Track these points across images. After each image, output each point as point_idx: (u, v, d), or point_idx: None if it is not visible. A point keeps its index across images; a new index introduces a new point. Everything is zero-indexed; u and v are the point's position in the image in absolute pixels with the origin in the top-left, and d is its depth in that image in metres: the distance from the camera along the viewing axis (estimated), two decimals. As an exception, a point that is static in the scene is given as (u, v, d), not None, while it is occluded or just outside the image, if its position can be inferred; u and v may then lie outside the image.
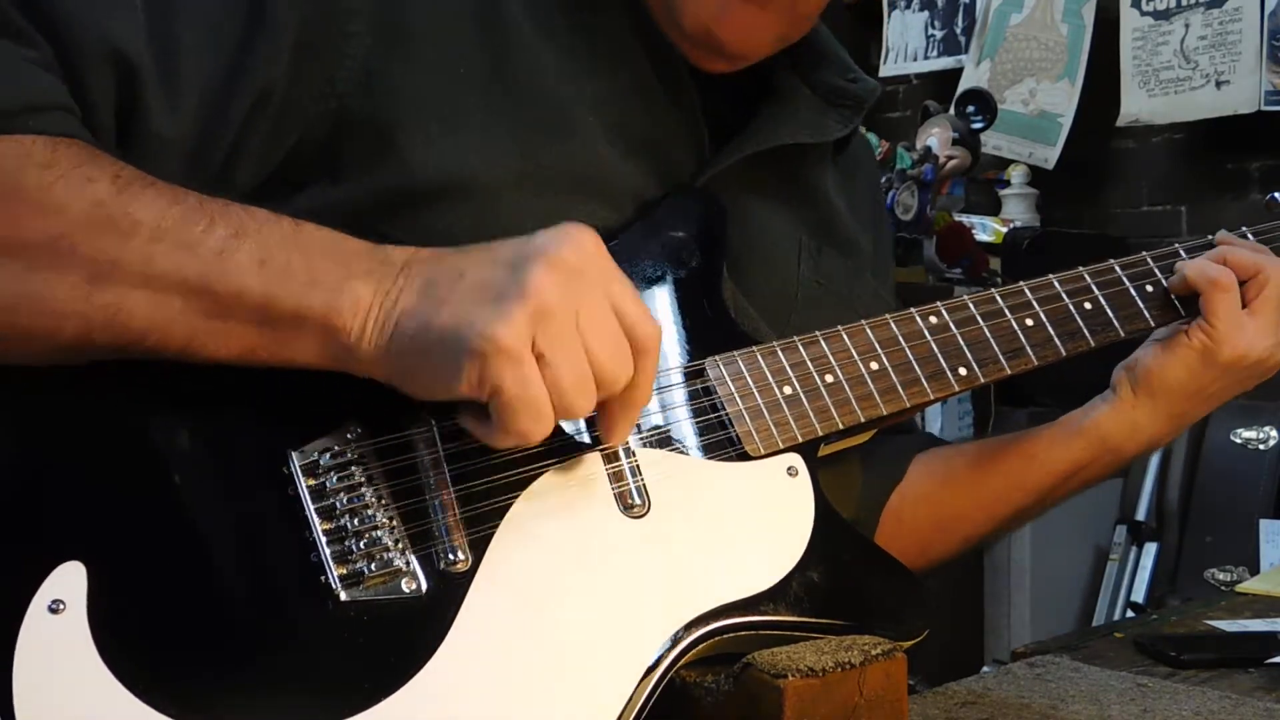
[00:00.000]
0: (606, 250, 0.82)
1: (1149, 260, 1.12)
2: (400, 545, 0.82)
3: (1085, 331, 1.07)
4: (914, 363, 1.00)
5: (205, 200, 0.81)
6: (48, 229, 0.77)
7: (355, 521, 0.81)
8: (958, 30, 3.87)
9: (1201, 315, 1.08)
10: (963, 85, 3.63)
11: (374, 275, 0.80)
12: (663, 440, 0.92)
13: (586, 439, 0.88)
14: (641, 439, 0.91)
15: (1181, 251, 1.14)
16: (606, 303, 0.81)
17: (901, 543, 1.13)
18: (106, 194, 0.79)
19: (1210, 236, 1.15)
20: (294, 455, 0.82)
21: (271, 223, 0.81)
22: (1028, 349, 1.04)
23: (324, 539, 0.81)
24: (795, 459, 0.95)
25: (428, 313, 0.79)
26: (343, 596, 0.80)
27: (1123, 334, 1.09)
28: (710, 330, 0.97)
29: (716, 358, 0.95)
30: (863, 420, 0.97)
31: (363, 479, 0.82)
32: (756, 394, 0.95)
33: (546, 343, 0.78)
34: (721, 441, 0.93)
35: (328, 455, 0.82)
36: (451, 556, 0.82)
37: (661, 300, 0.97)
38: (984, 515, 1.18)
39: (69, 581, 0.75)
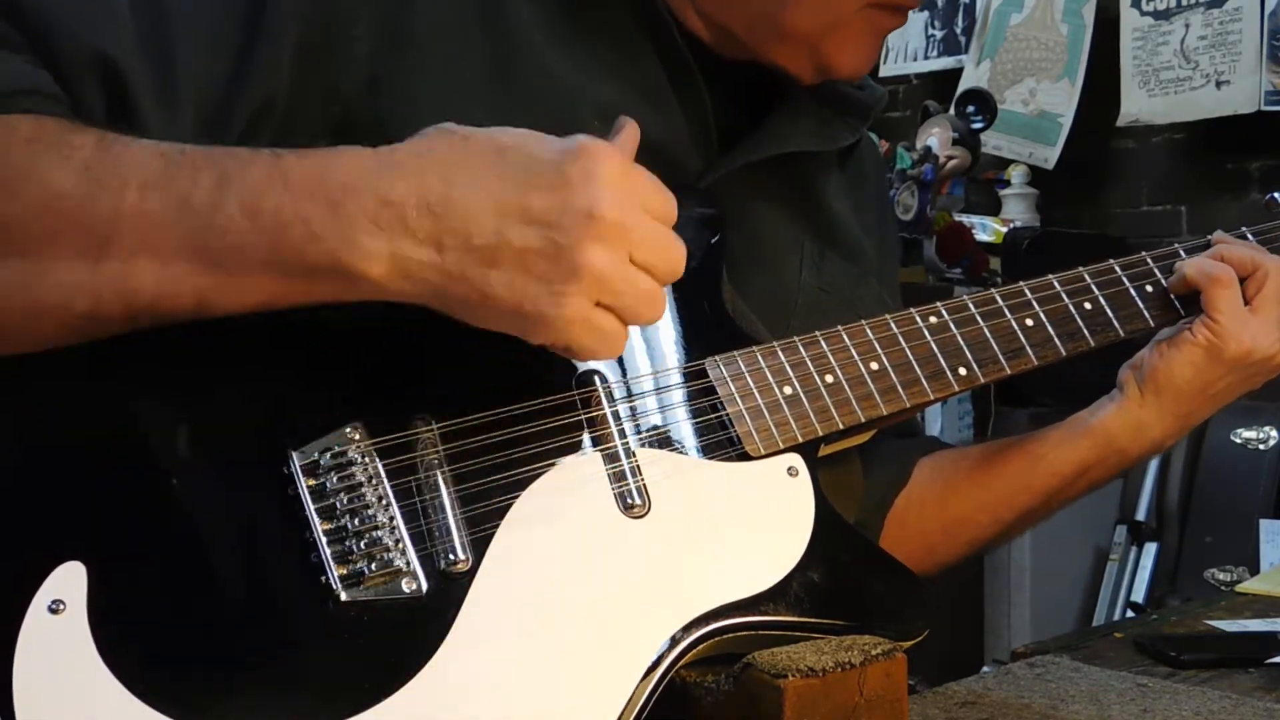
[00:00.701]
0: (630, 165, 0.82)
1: (1149, 260, 1.12)
2: (400, 545, 0.82)
3: (1085, 332, 1.07)
4: (914, 363, 1.00)
5: (187, 148, 0.79)
6: (40, 200, 0.76)
7: (355, 521, 0.81)
8: (958, 30, 3.87)
9: (1204, 312, 1.09)
10: (963, 85, 3.64)
11: (379, 224, 0.77)
12: (663, 440, 0.92)
13: (587, 439, 0.88)
14: (641, 439, 0.91)
15: (1181, 251, 1.14)
16: (653, 225, 0.82)
17: (907, 546, 1.13)
18: (91, 157, 0.77)
19: (1209, 237, 1.16)
20: (294, 455, 0.82)
21: (252, 163, 0.78)
22: (1028, 349, 1.04)
23: (324, 539, 0.80)
24: (795, 459, 0.95)
25: (479, 281, 0.78)
26: (343, 597, 0.79)
27: (1123, 334, 1.09)
28: (710, 331, 0.97)
29: (717, 358, 0.95)
30: (863, 420, 0.97)
31: (363, 479, 0.82)
32: (757, 394, 0.95)
33: (612, 298, 0.80)
34: (722, 441, 0.93)
35: (328, 455, 0.82)
36: (452, 556, 0.82)
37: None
38: (989, 518, 1.18)
39: (69, 581, 0.75)
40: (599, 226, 0.78)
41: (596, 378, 0.90)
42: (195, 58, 0.88)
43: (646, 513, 0.88)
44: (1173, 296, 1.11)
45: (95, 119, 0.84)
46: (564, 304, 0.79)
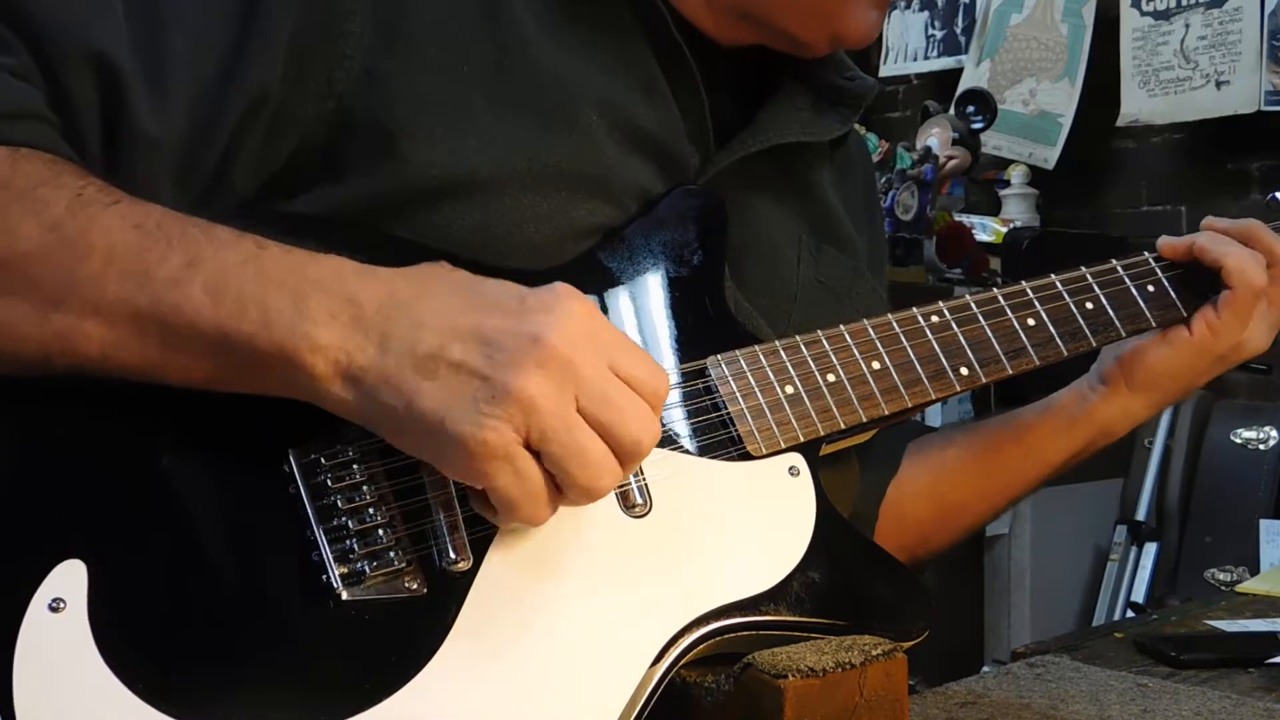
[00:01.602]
0: (600, 317, 0.80)
1: (1150, 260, 1.13)
2: (401, 544, 0.82)
3: (1087, 331, 1.07)
4: (916, 362, 1.00)
5: (167, 221, 0.79)
6: (1, 252, 0.77)
7: (355, 521, 0.81)
8: (958, 30, 3.87)
9: (1213, 305, 1.11)
10: (963, 85, 3.63)
11: (338, 321, 0.77)
12: (664, 439, 0.91)
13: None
14: (642, 438, 0.90)
15: (1183, 251, 1.15)
16: (610, 375, 0.78)
17: (903, 537, 1.16)
18: (62, 216, 0.77)
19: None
20: (293, 454, 0.82)
21: (231, 246, 0.78)
22: (1029, 348, 1.04)
23: (324, 538, 0.80)
24: (797, 458, 0.95)
25: (410, 389, 0.76)
26: (344, 596, 0.79)
27: (1124, 334, 1.09)
28: (712, 329, 0.97)
29: (718, 356, 0.95)
30: (864, 420, 0.97)
31: (363, 478, 0.82)
32: (758, 393, 0.95)
33: (539, 438, 0.75)
34: (723, 441, 0.93)
35: (328, 454, 0.82)
36: (452, 556, 0.82)
37: (663, 298, 0.97)
38: (986, 505, 1.22)
39: (69, 580, 0.75)
40: (541, 352, 0.76)
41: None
42: (188, 53, 0.87)
43: (647, 512, 0.88)
44: (1173, 295, 1.12)
45: (88, 116, 0.84)
46: (485, 427, 0.74)
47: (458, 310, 0.78)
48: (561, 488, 0.78)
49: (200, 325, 0.77)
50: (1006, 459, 1.19)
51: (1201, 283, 1.13)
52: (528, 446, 0.76)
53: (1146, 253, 1.13)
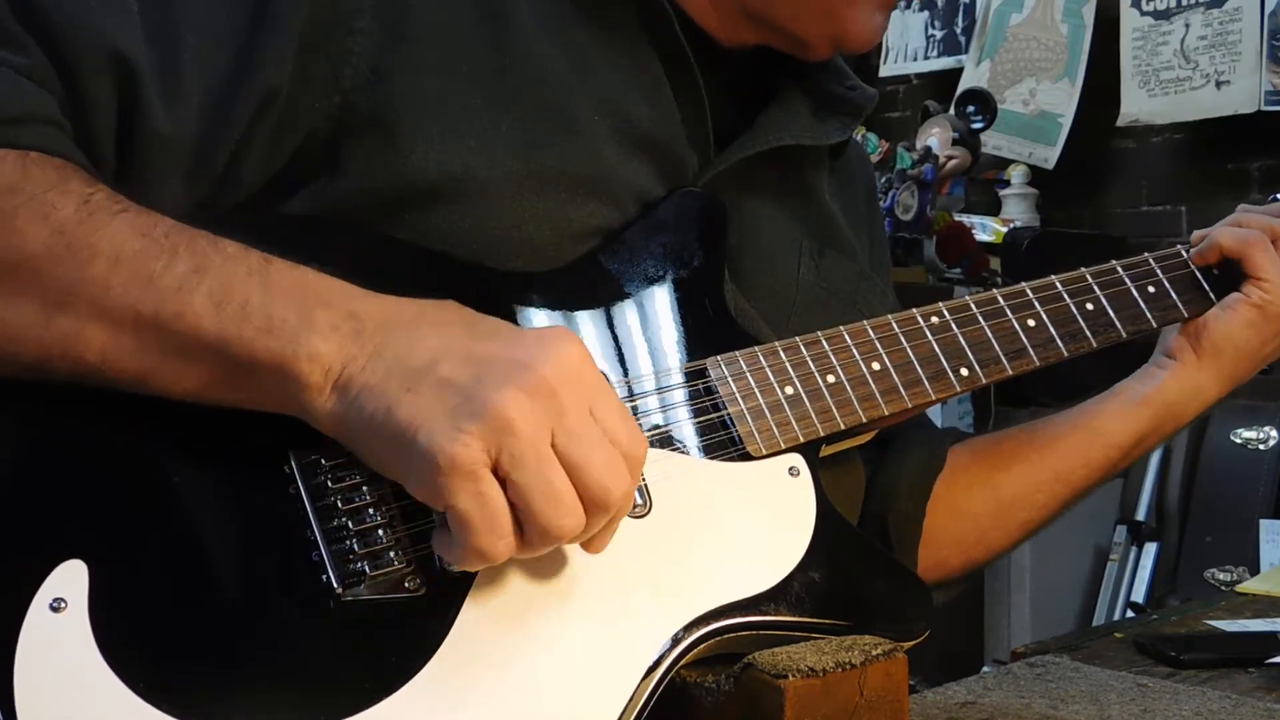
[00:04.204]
0: (592, 364, 0.80)
1: (1151, 261, 1.13)
2: (400, 545, 0.81)
3: (1087, 332, 1.07)
4: (916, 363, 1.00)
5: (174, 231, 0.79)
6: (6, 256, 0.77)
7: (355, 521, 0.81)
8: (958, 30, 3.87)
9: (1249, 277, 1.12)
10: (963, 85, 3.63)
11: (339, 333, 0.77)
12: (664, 440, 0.92)
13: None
14: (643, 439, 0.90)
15: (1184, 251, 1.15)
16: (589, 419, 0.77)
17: (957, 533, 1.15)
18: (69, 221, 0.77)
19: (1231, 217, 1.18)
20: (294, 455, 0.82)
21: (237, 259, 0.79)
22: (1029, 349, 1.04)
23: (324, 538, 0.80)
24: (797, 459, 0.95)
25: (392, 398, 0.75)
26: (343, 596, 0.79)
27: (1124, 335, 1.09)
28: (712, 330, 0.97)
29: (718, 357, 0.95)
30: (864, 420, 0.97)
31: (363, 478, 0.82)
32: (758, 394, 0.95)
33: (509, 462, 0.74)
34: (723, 441, 0.93)
35: (327, 455, 0.82)
36: (452, 556, 0.82)
37: (663, 300, 0.97)
38: (1046, 496, 1.18)
39: (70, 580, 0.75)
40: (528, 378, 0.75)
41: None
42: (201, 52, 0.88)
43: (647, 512, 0.88)
44: (1202, 279, 1.13)
45: (103, 115, 0.85)
46: (456, 441, 0.73)
47: (455, 335, 0.79)
48: (522, 523, 0.76)
49: (201, 332, 0.77)
50: (1068, 446, 1.17)
51: (1225, 280, 1.14)
52: (496, 474, 0.75)
53: (1148, 254, 1.13)
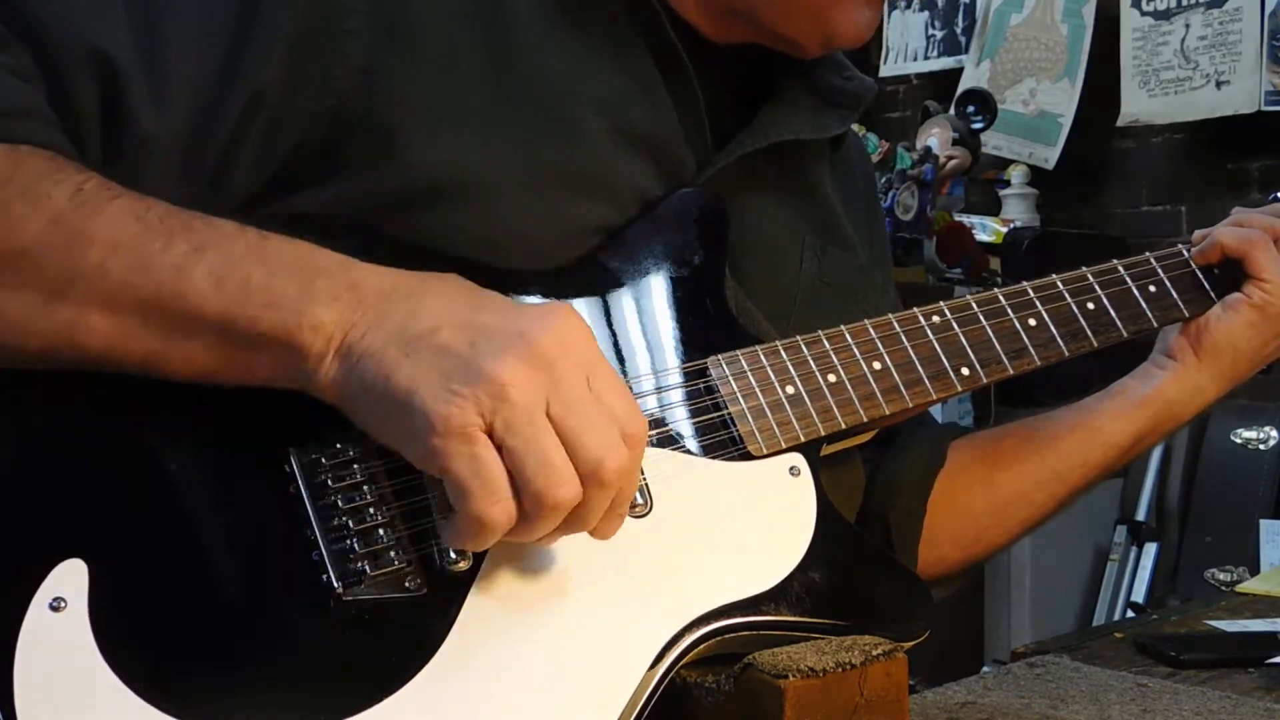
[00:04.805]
0: (593, 340, 0.80)
1: (1152, 260, 1.13)
2: (401, 544, 0.81)
3: (1088, 331, 1.07)
4: (917, 362, 1.00)
5: (169, 214, 0.79)
6: (3, 248, 0.77)
7: (355, 520, 0.81)
8: (958, 30, 3.87)
9: (1250, 277, 1.12)
10: (963, 85, 3.64)
11: (340, 301, 0.77)
12: (665, 439, 0.91)
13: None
14: (643, 438, 0.90)
15: (1185, 251, 1.15)
16: (586, 391, 0.78)
17: (956, 530, 1.15)
18: (64, 209, 0.77)
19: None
20: (294, 453, 0.82)
21: (234, 237, 0.79)
22: (1030, 349, 1.04)
23: (324, 538, 0.80)
24: (797, 459, 0.95)
25: (390, 364, 0.76)
26: (344, 595, 0.79)
27: (1125, 334, 1.09)
28: (713, 329, 0.97)
29: (719, 356, 0.95)
30: (865, 420, 0.97)
31: (363, 477, 0.82)
32: (759, 393, 0.95)
33: (503, 427, 0.74)
34: (724, 441, 0.93)
35: (328, 454, 0.82)
36: (452, 556, 0.82)
37: (663, 298, 0.97)
38: (1044, 495, 1.18)
39: (70, 579, 0.75)
40: (525, 347, 0.76)
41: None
42: (188, 52, 0.88)
43: (648, 512, 0.88)
44: (1202, 279, 1.13)
45: (89, 115, 0.84)
46: (450, 404, 0.74)
47: (456, 305, 0.79)
48: (519, 491, 0.75)
49: (204, 310, 0.77)
50: (1069, 446, 1.16)
51: (1225, 280, 1.14)
52: (490, 437, 0.75)
53: (1149, 253, 1.13)
